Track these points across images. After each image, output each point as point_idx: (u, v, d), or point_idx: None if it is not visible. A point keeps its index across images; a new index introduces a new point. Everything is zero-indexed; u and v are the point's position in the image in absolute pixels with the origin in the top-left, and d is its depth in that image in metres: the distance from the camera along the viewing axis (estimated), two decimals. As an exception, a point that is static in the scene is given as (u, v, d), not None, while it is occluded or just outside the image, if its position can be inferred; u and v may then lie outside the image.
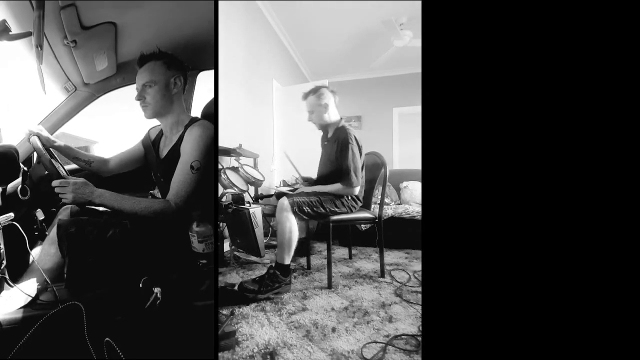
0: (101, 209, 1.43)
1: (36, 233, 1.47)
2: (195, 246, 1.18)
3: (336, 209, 1.93)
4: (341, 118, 2.11)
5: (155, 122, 1.46)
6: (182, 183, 1.23)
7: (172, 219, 1.19)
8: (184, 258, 1.20)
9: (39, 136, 1.34)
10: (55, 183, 1.12)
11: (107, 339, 0.57)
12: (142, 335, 0.72)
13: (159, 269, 1.09)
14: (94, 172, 1.55)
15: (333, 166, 2.01)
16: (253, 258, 2.47)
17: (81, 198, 1.12)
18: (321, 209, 1.87)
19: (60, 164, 1.31)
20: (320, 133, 2.25)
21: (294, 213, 1.79)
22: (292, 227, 1.76)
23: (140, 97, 1.33)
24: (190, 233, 1.18)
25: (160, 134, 1.48)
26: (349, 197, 1.98)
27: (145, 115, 1.37)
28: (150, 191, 1.51)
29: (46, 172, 1.32)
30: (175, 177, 1.25)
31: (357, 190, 1.98)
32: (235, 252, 2.56)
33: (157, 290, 0.88)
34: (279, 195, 2.13)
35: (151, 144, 1.49)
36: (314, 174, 2.27)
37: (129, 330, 0.74)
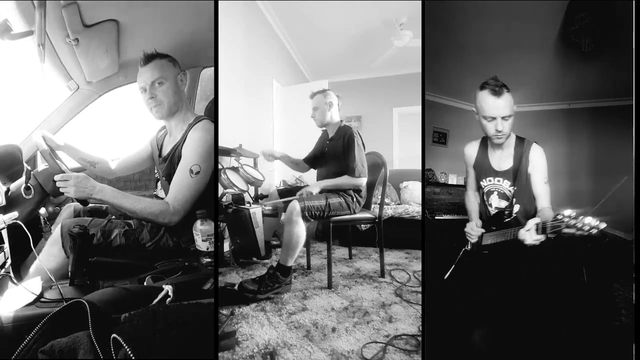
0: (104, 207, 1.44)
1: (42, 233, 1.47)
2: (199, 244, 1.18)
3: (342, 211, 1.94)
4: (341, 120, 2.18)
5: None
6: (180, 186, 1.22)
7: (170, 221, 1.19)
8: (187, 256, 1.20)
9: (44, 136, 1.33)
10: (57, 177, 1.12)
11: (113, 335, 0.57)
12: (146, 332, 0.72)
13: (162, 268, 1.09)
14: (97, 174, 1.54)
15: (340, 162, 2.03)
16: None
17: (83, 192, 1.11)
18: (327, 212, 1.88)
19: (63, 163, 1.32)
20: (319, 133, 2.28)
21: (304, 217, 1.79)
22: (300, 231, 1.76)
23: (152, 95, 1.28)
24: (194, 232, 1.18)
25: (165, 133, 1.47)
26: (354, 199, 1.99)
27: (157, 115, 1.33)
28: (154, 192, 1.51)
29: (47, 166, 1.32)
30: (175, 181, 1.24)
31: (364, 181, 2.00)
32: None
33: (168, 287, 0.88)
34: (282, 193, 2.14)
35: (156, 143, 1.49)
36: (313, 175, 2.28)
37: (133, 328, 0.74)
